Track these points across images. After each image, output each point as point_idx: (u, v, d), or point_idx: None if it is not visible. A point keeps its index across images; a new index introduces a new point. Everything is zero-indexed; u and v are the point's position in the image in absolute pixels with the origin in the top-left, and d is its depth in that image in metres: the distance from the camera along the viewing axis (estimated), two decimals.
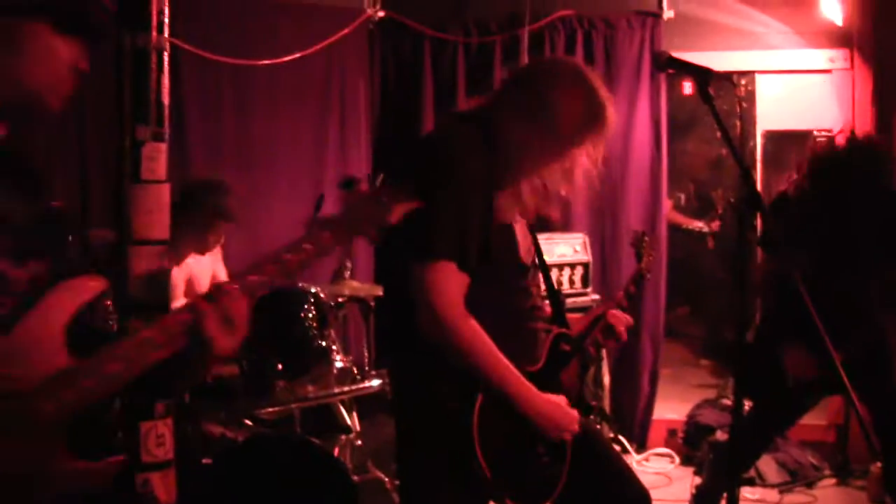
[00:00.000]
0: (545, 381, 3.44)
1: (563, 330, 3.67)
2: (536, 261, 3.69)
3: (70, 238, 2.44)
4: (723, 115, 3.32)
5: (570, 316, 3.81)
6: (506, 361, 3.28)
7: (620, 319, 3.89)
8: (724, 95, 8.10)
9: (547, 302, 3.72)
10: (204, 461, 4.34)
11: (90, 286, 2.24)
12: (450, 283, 3.19)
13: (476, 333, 3.24)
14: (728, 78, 3.27)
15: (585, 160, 3.50)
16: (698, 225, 10.27)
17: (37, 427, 2.05)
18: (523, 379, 3.33)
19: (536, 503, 3.49)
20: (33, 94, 2.26)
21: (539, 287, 3.66)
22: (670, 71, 3.38)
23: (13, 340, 2.09)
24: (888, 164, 5.16)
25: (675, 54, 3.39)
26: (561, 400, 3.46)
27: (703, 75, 3.28)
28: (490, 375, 3.27)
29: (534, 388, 3.36)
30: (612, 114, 3.49)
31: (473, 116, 3.49)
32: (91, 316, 2.31)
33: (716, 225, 10.25)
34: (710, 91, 3.27)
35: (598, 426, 6.82)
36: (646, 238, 4.29)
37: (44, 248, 2.29)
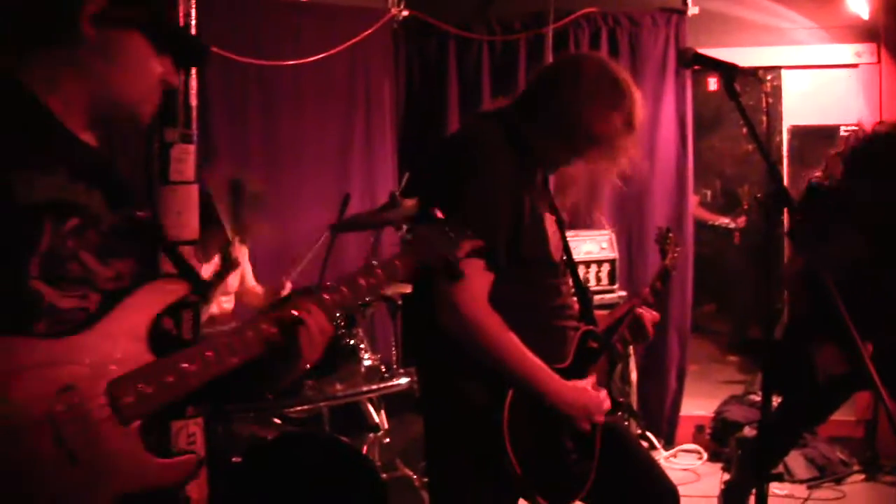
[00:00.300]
0: (573, 378, 3.45)
1: (591, 327, 3.68)
2: (565, 258, 3.71)
3: (153, 246, 2.49)
4: (749, 110, 3.31)
5: (597, 313, 3.82)
6: (530, 355, 3.30)
7: (647, 316, 3.90)
8: (750, 91, 8.09)
9: (575, 299, 3.73)
10: (234, 460, 4.35)
11: (173, 289, 2.29)
12: (474, 279, 3.18)
13: (499, 328, 3.26)
14: (754, 73, 3.26)
15: (618, 161, 3.53)
16: (724, 221, 10.27)
17: (116, 418, 2.10)
18: (548, 369, 3.34)
19: (566, 500, 3.50)
20: (127, 106, 2.31)
21: (568, 284, 3.67)
22: (696, 67, 3.36)
23: (98, 334, 2.13)
24: None
25: (701, 51, 3.39)
26: (587, 383, 3.49)
27: (728, 71, 3.28)
28: (514, 369, 3.28)
29: (559, 378, 3.37)
30: (640, 110, 3.52)
31: (498, 115, 3.52)
32: (172, 319, 2.37)
33: (742, 221, 10.25)
34: (736, 87, 3.27)
35: (626, 422, 6.83)
36: (670, 234, 4.28)
37: (128, 251, 2.32)
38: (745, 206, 10.31)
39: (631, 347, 6.95)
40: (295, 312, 2.28)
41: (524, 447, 3.28)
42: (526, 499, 3.41)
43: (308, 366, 2.35)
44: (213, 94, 6.56)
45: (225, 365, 2.23)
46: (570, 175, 3.59)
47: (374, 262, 2.50)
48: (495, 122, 3.47)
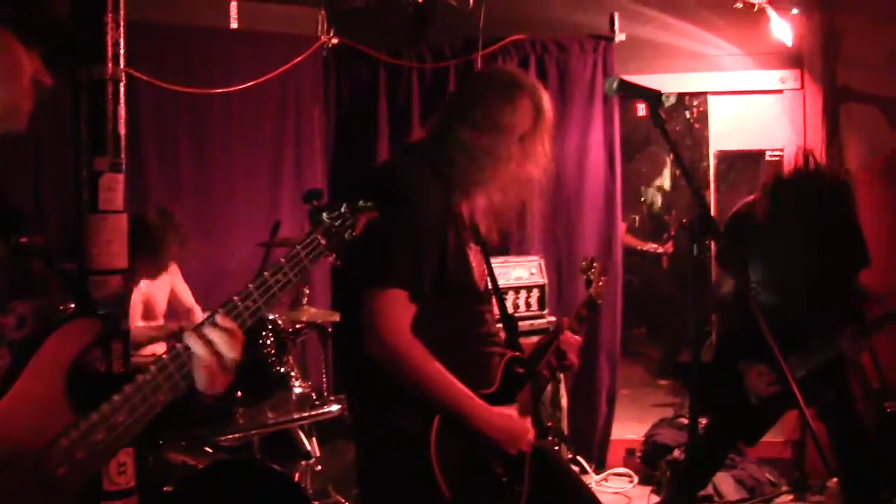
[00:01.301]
0: (500, 404, 3.47)
1: (517, 353, 3.70)
2: (490, 286, 3.74)
3: (49, 274, 2.31)
4: (676, 136, 3.37)
5: (522, 341, 3.84)
6: (456, 382, 3.31)
7: (571, 343, 3.94)
8: (677, 117, 8.19)
9: (500, 326, 3.75)
10: (165, 489, 4.33)
11: (85, 330, 2.15)
12: (397, 310, 3.24)
13: (423, 357, 3.28)
14: (677, 100, 3.27)
15: (535, 170, 3.58)
16: (652, 246, 10.36)
17: (52, 492, 1.98)
18: (473, 396, 3.36)
19: None
20: (2, 116, 2.13)
21: (493, 312, 3.69)
22: (622, 95, 3.40)
23: (12, 401, 1.99)
24: (851, 196, 5.25)
25: (628, 77, 3.43)
26: (512, 411, 3.50)
27: (653, 98, 3.32)
28: (439, 396, 3.30)
29: (485, 404, 3.39)
30: (543, 100, 3.56)
31: (420, 146, 3.59)
32: (90, 360, 2.20)
33: (669, 246, 10.34)
34: (662, 114, 3.31)
35: (557, 447, 6.85)
36: (595, 264, 4.38)
37: (26, 287, 2.18)
38: (672, 232, 10.42)
39: (560, 374, 6.99)
40: (208, 334, 2.17)
41: (453, 471, 3.28)
42: None
43: (215, 394, 2.27)
44: (142, 122, 6.53)
45: (154, 406, 2.12)
46: (496, 199, 3.60)
47: (284, 258, 2.40)
48: (419, 155, 3.52)
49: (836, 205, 5.16)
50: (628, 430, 7.90)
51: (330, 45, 7.63)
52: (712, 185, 7.93)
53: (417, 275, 3.24)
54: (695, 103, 8.08)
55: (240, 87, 6.92)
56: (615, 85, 3.37)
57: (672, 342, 10.39)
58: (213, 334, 2.18)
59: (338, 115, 7.78)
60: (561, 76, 7.54)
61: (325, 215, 2.51)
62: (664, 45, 7.54)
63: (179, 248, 5.73)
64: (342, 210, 2.55)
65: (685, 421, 7.46)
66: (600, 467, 7.57)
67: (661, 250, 10.35)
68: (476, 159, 3.45)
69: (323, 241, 2.46)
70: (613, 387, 7.69)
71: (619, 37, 7.46)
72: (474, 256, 3.56)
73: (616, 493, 7.15)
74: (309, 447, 5.35)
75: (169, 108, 6.77)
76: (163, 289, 6.00)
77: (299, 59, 7.28)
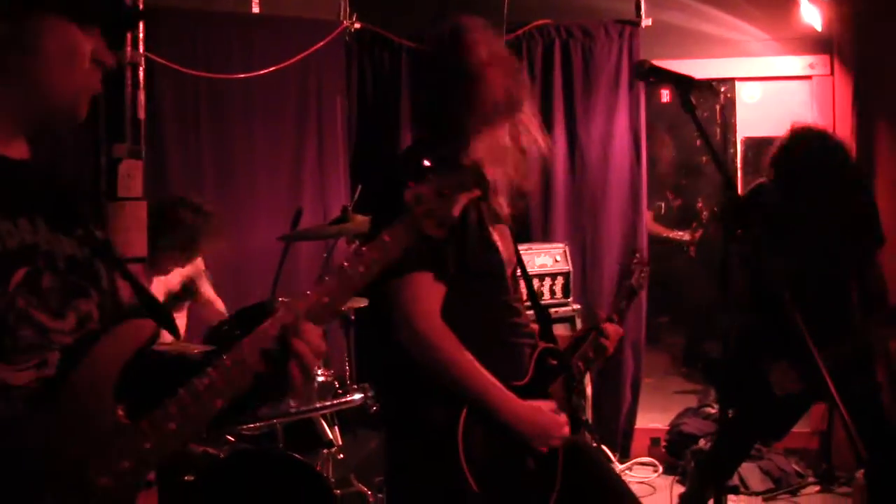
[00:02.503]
0: (532, 396, 3.40)
1: (550, 345, 3.63)
2: (520, 272, 3.67)
3: (113, 270, 2.20)
4: (703, 122, 3.30)
5: (560, 334, 3.79)
6: (485, 372, 3.25)
7: (613, 334, 3.87)
8: (704, 103, 8.10)
9: (531, 314, 3.68)
10: (187, 478, 4.28)
11: (139, 331, 2.04)
12: (426, 294, 3.19)
13: (453, 344, 3.22)
14: (709, 86, 3.21)
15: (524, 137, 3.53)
16: (679, 234, 10.28)
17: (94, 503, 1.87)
18: (505, 389, 3.29)
19: None
20: (61, 102, 2.03)
21: (523, 302, 3.62)
22: (651, 80, 3.33)
23: (60, 406, 1.90)
24: (839, 152, 5.19)
25: (655, 63, 3.37)
26: (546, 405, 3.42)
27: (684, 84, 3.25)
28: (470, 387, 3.24)
29: (516, 398, 3.32)
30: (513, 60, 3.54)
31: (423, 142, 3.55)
32: (142, 364, 2.05)
33: (697, 234, 10.26)
34: (692, 100, 3.25)
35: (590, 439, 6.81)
36: (637, 255, 4.31)
37: (90, 285, 2.08)
38: (703, 219, 10.35)
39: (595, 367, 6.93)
40: (295, 345, 2.05)
41: (482, 465, 3.22)
42: None
43: (297, 388, 2.16)
44: (162, 108, 6.47)
45: (209, 413, 1.99)
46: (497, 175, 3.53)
47: (364, 245, 2.27)
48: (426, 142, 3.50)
49: (844, 162, 5.11)
50: (652, 418, 7.86)
51: (352, 30, 7.57)
52: (739, 172, 7.86)
53: (439, 253, 3.17)
54: (722, 89, 7.99)
55: (261, 72, 6.85)
56: (646, 70, 3.30)
57: (696, 331, 10.32)
58: (312, 335, 2.09)
59: (360, 101, 7.72)
60: (586, 62, 7.46)
61: (417, 197, 2.39)
62: (691, 31, 7.46)
63: (211, 237, 5.67)
64: (443, 192, 2.42)
65: (710, 410, 7.46)
66: (624, 456, 7.51)
67: (688, 238, 10.27)
68: (464, 125, 3.38)
69: (413, 229, 2.35)
70: (638, 375, 7.63)
71: (646, 22, 7.38)
72: (500, 235, 3.49)
73: (640, 482, 7.08)
74: (331, 436, 5.30)
75: (189, 94, 6.70)
76: (175, 278, 5.93)
77: (321, 44, 7.21)
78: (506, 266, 3.49)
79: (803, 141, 5.14)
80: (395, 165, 3.72)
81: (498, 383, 3.28)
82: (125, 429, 1.94)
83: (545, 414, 3.38)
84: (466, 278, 3.28)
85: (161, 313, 2.19)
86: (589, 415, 7.03)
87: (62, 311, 1.99)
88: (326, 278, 2.20)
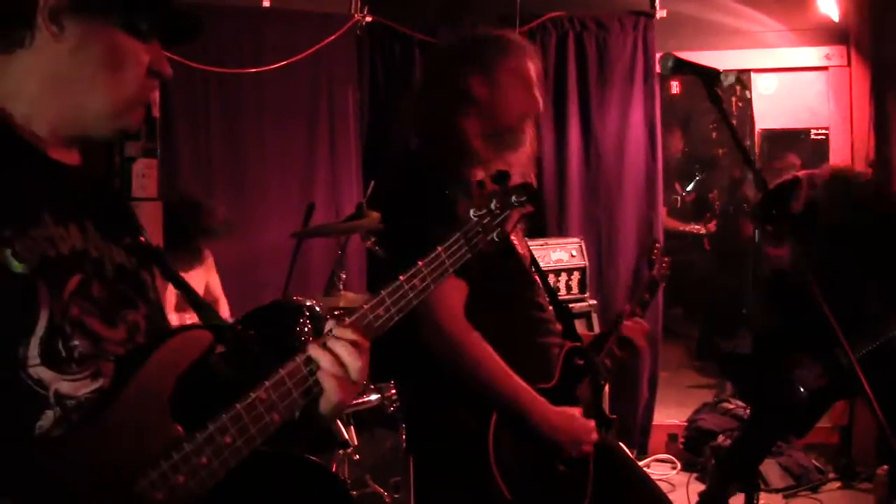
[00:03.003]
0: (561, 398, 3.36)
1: (576, 344, 3.57)
2: (536, 274, 3.64)
3: (158, 278, 2.18)
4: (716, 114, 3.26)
5: (582, 333, 3.74)
6: (514, 375, 3.22)
7: (637, 328, 3.81)
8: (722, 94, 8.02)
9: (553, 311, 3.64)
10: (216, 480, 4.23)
11: (194, 343, 2.00)
12: (449, 294, 3.14)
13: (481, 346, 3.18)
14: (737, 78, 3.15)
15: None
16: (695, 227, 10.21)
17: None
18: (534, 392, 3.25)
19: None
20: (115, 112, 2.01)
21: (547, 301, 3.58)
22: (678, 74, 3.27)
23: (114, 418, 1.85)
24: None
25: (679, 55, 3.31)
26: (575, 411, 3.37)
27: (711, 76, 3.19)
28: (499, 389, 3.20)
29: (545, 402, 3.28)
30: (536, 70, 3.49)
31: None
32: (198, 376, 2.00)
33: (712, 226, 10.19)
34: (718, 92, 3.19)
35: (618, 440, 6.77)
36: (657, 245, 4.25)
37: (138, 294, 2.05)
38: (717, 211, 10.29)
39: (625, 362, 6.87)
40: (301, 369, 2.03)
41: (513, 470, 3.18)
42: None
43: (345, 404, 2.13)
44: (172, 105, 6.40)
45: (266, 427, 1.97)
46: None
47: (419, 261, 2.24)
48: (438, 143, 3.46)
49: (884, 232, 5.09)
50: (669, 414, 7.80)
51: (363, 23, 7.49)
52: (756, 165, 7.79)
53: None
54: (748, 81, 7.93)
55: (272, 66, 6.78)
56: (671, 63, 3.24)
57: (710, 324, 10.25)
58: (338, 347, 2.07)
59: (372, 95, 7.64)
60: (600, 54, 7.39)
61: (472, 212, 2.37)
62: (706, 22, 7.39)
63: (219, 240, 5.62)
64: (492, 207, 2.39)
65: (728, 406, 7.37)
66: (642, 453, 7.45)
67: (703, 231, 10.21)
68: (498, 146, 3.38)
69: (467, 245, 2.32)
70: (655, 370, 7.57)
71: (660, 13, 7.30)
72: (516, 237, 3.46)
73: (659, 479, 6.98)
74: (346, 436, 5.25)
75: (200, 88, 6.64)
76: (198, 281, 5.87)
77: (332, 37, 7.15)
78: (525, 262, 3.47)
79: (838, 195, 5.09)
80: (421, 167, 3.65)
81: (527, 387, 3.24)
82: (180, 442, 1.89)
83: (576, 420, 3.34)
84: (489, 277, 3.23)
85: (215, 322, 2.16)
86: (606, 410, 6.97)
87: (113, 321, 1.96)
88: (382, 292, 2.17)
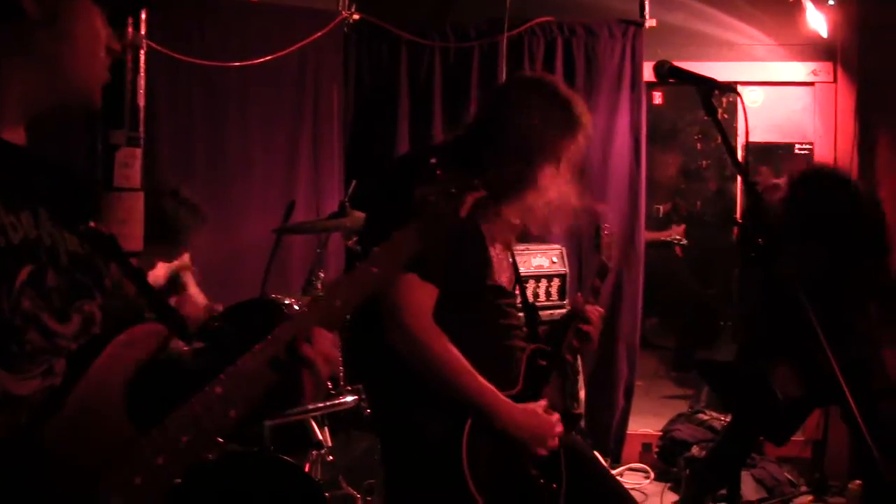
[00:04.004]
0: (525, 401, 3.40)
1: (538, 345, 3.61)
2: (515, 282, 3.69)
3: (120, 266, 2.07)
4: (704, 126, 3.28)
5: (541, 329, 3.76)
6: (480, 378, 3.24)
7: (594, 316, 3.77)
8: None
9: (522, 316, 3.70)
10: (175, 481, 4.18)
11: (148, 336, 1.93)
12: (416, 295, 3.18)
13: (448, 349, 3.21)
14: (733, 89, 3.14)
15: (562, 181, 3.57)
16: (676, 236, 10.21)
17: None
18: (499, 393, 3.28)
19: None
20: (83, 89, 1.92)
21: (516, 305, 3.60)
22: (671, 81, 3.25)
23: (68, 417, 1.78)
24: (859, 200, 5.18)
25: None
26: (538, 406, 3.41)
27: (706, 86, 3.17)
28: (464, 391, 3.23)
29: (508, 401, 3.31)
30: (588, 127, 3.56)
31: (450, 145, 3.60)
32: (152, 371, 1.92)
33: (681, 229, 10.19)
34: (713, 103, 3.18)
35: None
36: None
37: (93, 283, 1.96)
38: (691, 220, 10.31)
39: (580, 361, 6.85)
40: (306, 353, 1.98)
41: (486, 476, 3.19)
42: None
43: (312, 398, 2.10)
44: (155, 96, 6.35)
45: (223, 423, 1.92)
46: (531, 203, 3.50)
47: (371, 256, 2.21)
48: (447, 150, 3.52)
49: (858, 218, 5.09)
50: (644, 423, 7.78)
51: (351, 21, 7.44)
52: (739, 178, 7.78)
53: (432, 259, 3.11)
54: (725, 93, 7.90)
55: (257, 61, 6.73)
56: (666, 70, 3.22)
57: (688, 334, 10.26)
58: (306, 346, 2.01)
59: (357, 94, 7.61)
60: (588, 61, 7.36)
61: (431, 200, 2.35)
62: (695, 33, 7.39)
63: (197, 232, 5.56)
64: (451, 191, 2.38)
65: (703, 417, 7.38)
66: (616, 462, 7.43)
67: (677, 237, 10.21)
68: (513, 173, 3.39)
69: (424, 231, 2.29)
70: (631, 379, 7.56)
71: (650, 22, 7.27)
72: (498, 253, 3.52)
73: (632, 488, 6.98)
74: (321, 437, 5.22)
75: (183, 81, 6.58)
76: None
77: (319, 34, 7.10)
78: (496, 277, 3.49)
79: (813, 190, 5.10)
80: (403, 164, 3.67)
81: (492, 388, 3.27)
82: (136, 442, 1.83)
83: (539, 416, 3.39)
84: (457, 280, 3.28)
85: (169, 315, 2.06)
86: (582, 419, 6.95)
87: (66, 314, 1.88)
88: (339, 281, 2.15)
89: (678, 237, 10.20)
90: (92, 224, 2.01)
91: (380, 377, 3.47)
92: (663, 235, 10.20)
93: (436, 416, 3.23)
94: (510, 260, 3.65)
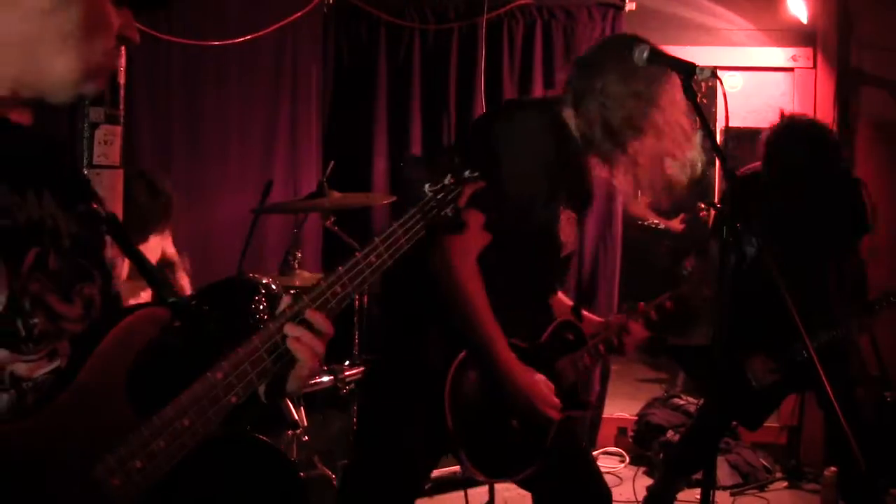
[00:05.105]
0: (535, 360, 3.43)
1: (572, 319, 3.66)
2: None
3: (121, 248, 2.08)
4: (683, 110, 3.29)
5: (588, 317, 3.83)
6: (498, 328, 3.28)
7: (637, 336, 3.86)
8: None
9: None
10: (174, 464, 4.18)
11: (151, 321, 1.93)
12: (470, 232, 3.12)
13: (477, 290, 3.25)
14: (713, 73, 3.12)
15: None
16: (667, 223, 10.18)
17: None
18: (508, 347, 3.31)
19: (498, 475, 3.51)
20: (84, 74, 1.88)
21: (567, 275, 3.65)
22: (650, 64, 3.23)
23: (70, 401, 1.79)
24: (836, 147, 5.17)
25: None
26: (542, 379, 3.42)
27: (687, 70, 3.15)
28: (479, 331, 3.26)
29: (515, 358, 3.32)
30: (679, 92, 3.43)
31: (541, 103, 3.71)
32: (155, 356, 1.94)
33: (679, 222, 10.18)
34: (694, 87, 3.16)
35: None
36: (697, 263, 4.19)
37: (94, 267, 1.95)
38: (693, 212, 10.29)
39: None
40: (293, 344, 2.01)
41: (464, 406, 3.26)
42: (455, 455, 3.38)
43: (311, 378, 2.10)
44: (133, 73, 6.28)
45: (224, 409, 1.93)
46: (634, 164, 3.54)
47: (375, 238, 2.23)
48: (537, 109, 3.59)
49: (835, 157, 5.08)
50: (619, 407, 7.80)
51: (330, 1, 7.39)
52: (718, 162, 7.80)
53: (497, 204, 3.17)
54: (724, 76, 7.92)
55: (236, 40, 6.69)
56: (646, 54, 3.20)
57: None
58: (298, 331, 2.03)
59: (336, 75, 7.57)
60: (567, 44, 7.33)
61: (427, 187, 2.37)
62: (674, 17, 7.41)
63: (167, 218, 5.53)
64: (447, 182, 2.41)
65: (679, 401, 7.40)
66: (591, 446, 7.43)
67: (662, 226, 10.18)
68: (605, 139, 3.46)
69: (423, 220, 2.32)
70: (607, 363, 7.56)
71: (630, 6, 7.26)
72: (566, 217, 3.56)
73: (607, 472, 7.01)
74: (296, 417, 5.20)
75: (162, 59, 6.53)
76: (153, 250, 5.78)
77: (298, 14, 7.05)
78: (560, 238, 3.54)
79: (794, 133, 5.08)
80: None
81: (504, 340, 3.30)
82: (137, 426, 1.84)
83: (538, 384, 3.40)
84: (512, 229, 3.32)
85: (172, 296, 2.06)
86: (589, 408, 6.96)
87: (69, 296, 1.88)
88: (339, 268, 2.14)
89: (655, 222, 10.17)
90: (94, 206, 2.02)
91: (399, 303, 3.54)
92: (673, 225, 10.15)
93: (434, 350, 3.30)
94: (575, 227, 3.67)
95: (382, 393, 3.50)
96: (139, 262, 2.10)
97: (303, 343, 2.03)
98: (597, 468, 3.96)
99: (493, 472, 3.47)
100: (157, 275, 2.17)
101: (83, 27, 1.85)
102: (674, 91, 3.42)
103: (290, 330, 2.03)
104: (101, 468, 1.78)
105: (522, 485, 3.65)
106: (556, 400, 3.42)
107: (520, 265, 3.44)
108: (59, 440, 1.77)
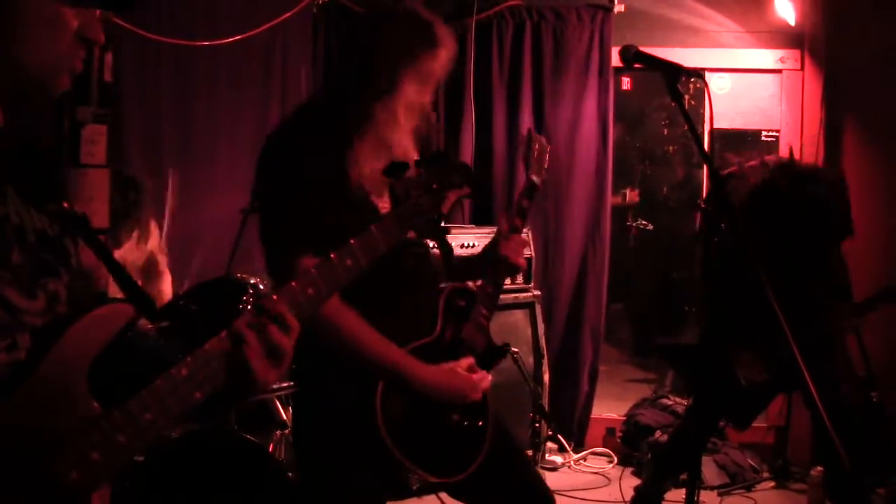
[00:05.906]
0: (448, 346, 3.37)
1: (455, 285, 3.53)
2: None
3: (89, 246, 2.03)
4: (670, 111, 3.29)
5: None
6: (391, 345, 3.17)
7: (514, 247, 3.62)
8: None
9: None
10: (137, 459, 4.17)
11: (114, 316, 1.91)
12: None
13: (354, 322, 3.10)
14: (699, 75, 3.14)
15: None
16: (643, 223, 10.21)
17: (60, 499, 1.76)
18: (412, 358, 3.21)
19: (457, 470, 3.37)
20: (33, 75, 1.88)
21: (422, 250, 3.47)
22: (637, 66, 3.25)
23: (30, 393, 1.77)
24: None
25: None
26: (458, 365, 3.32)
27: (672, 71, 3.17)
28: (380, 362, 3.15)
29: (426, 366, 3.23)
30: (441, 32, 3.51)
31: (310, 103, 3.55)
32: (117, 351, 1.91)
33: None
34: (680, 88, 3.18)
35: (537, 424, 6.75)
36: (535, 144, 3.92)
37: (60, 261, 1.95)
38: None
39: (544, 346, 6.87)
40: (226, 347, 1.95)
41: (404, 431, 3.18)
42: (408, 475, 3.31)
43: (270, 384, 2.06)
44: (122, 73, 6.29)
45: (187, 404, 1.90)
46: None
47: (351, 240, 2.19)
48: (307, 110, 3.42)
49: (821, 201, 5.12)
50: (607, 408, 7.83)
51: (320, 2, 7.40)
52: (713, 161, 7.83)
53: (320, 233, 2.90)
54: (692, 79, 7.92)
55: (226, 41, 6.69)
56: (632, 55, 3.22)
57: (643, 320, 10.31)
58: (267, 327, 1.99)
59: (326, 76, 7.55)
60: (556, 45, 7.40)
61: (412, 193, 2.33)
62: (663, 19, 7.42)
63: (137, 216, 5.52)
64: (433, 187, 2.37)
65: (667, 402, 7.40)
66: (579, 446, 7.46)
67: (651, 227, 10.21)
68: (373, 101, 3.29)
69: (403, 225, 2.29)
70: (596, 364, 7.60)
71: (618, 8, 7.32)
72: (383, 204, 3.31)
73: (595, 473, 7.04)
74: (285, 417, 5.22)
75: (152, 59, 6.52)
76: (140, 251, 5.77)
77: (288, 14, 7.06)
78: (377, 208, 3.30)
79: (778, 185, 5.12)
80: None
81: (405, 354, 3.20)
82: (97, 420, 1.82)
83: (458, 375, 3.30)
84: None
85: (139, 295, 2.04)
86: (546, 403, 6.96)
87: (32, 291, 1.88)
88: (312, 270, 2.11)
89: (644, 223, 10.19)
90: (65, 204, 2.00)
91: (300, 350, 3.45)
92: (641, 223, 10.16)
93: (348, 382, 3.19)
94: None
95: (318, 440, 3.38)
96: (107, 261, 2.05)
97: (253, 348, 1.97)
98: (537, 473, 3.94)
99: (453, 471, 3.37)
100: (125, 274, 2.15)
101: (31, 26, 1.85)
102: None
103: (241, 330, 1.98)
104: (60, 462, 1.77)
105: (461, 498, 3.62)
106: (479, 373, 3.35)
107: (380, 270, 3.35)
108: (19, 433, 1.75)
